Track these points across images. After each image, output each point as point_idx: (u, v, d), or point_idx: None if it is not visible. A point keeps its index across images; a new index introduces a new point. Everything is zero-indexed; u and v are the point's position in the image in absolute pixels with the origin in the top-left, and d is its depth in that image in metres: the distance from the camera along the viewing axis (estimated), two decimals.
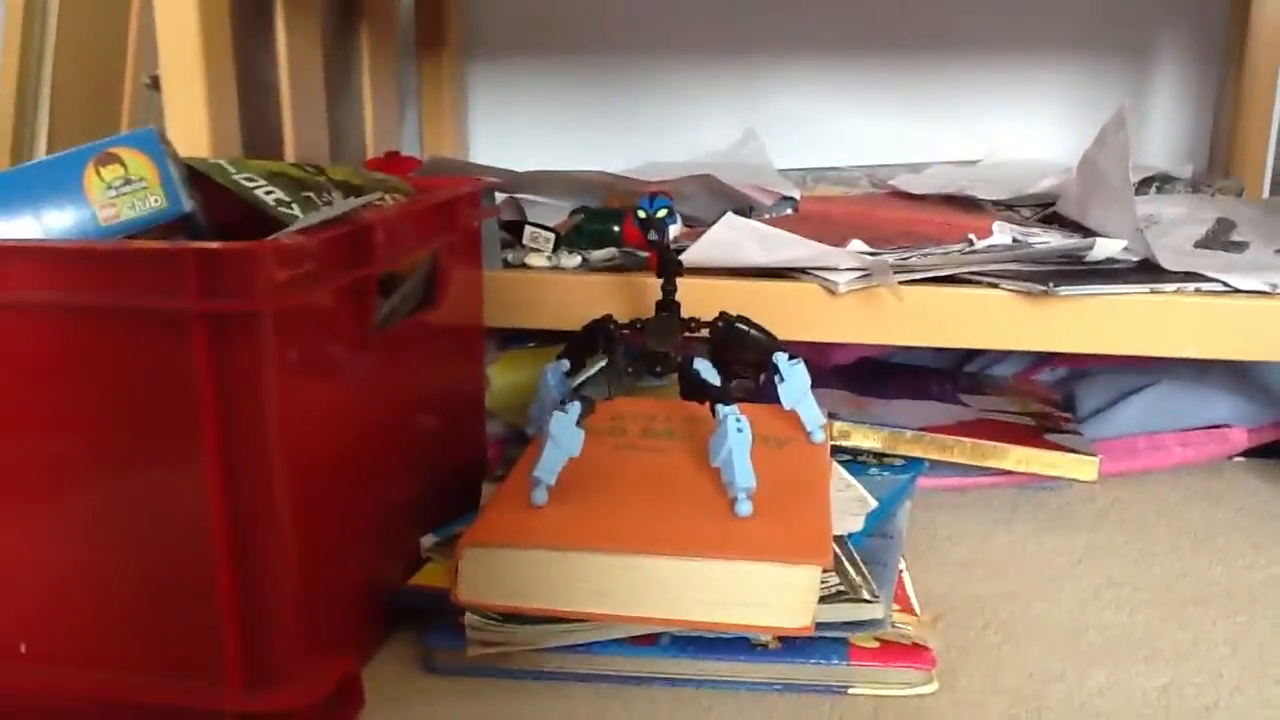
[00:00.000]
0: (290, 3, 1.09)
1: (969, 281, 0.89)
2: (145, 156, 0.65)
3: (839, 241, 0.92)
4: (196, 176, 0.69)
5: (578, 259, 0.97)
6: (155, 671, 0.59)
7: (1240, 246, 0.98)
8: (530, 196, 1.10)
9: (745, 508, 0.66)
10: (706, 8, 1.41)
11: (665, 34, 1.42)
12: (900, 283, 0.88)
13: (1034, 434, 0.95)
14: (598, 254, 0.98)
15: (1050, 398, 1.06)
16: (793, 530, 0.65)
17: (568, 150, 1.46)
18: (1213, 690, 0.66)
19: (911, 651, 0.66)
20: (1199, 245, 0.99)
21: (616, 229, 1.00)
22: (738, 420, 0.69)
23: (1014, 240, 0.93)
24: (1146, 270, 0.89)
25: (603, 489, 0.70)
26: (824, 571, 0.63)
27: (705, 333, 0.83)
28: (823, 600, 0.64)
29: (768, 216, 1.06)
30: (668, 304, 0.84)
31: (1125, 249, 0.90)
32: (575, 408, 0.69)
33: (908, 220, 1.05)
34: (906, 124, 1.41)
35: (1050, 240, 0.93)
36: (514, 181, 1.05)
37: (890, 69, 1.40)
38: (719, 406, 0.70)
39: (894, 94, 1.41)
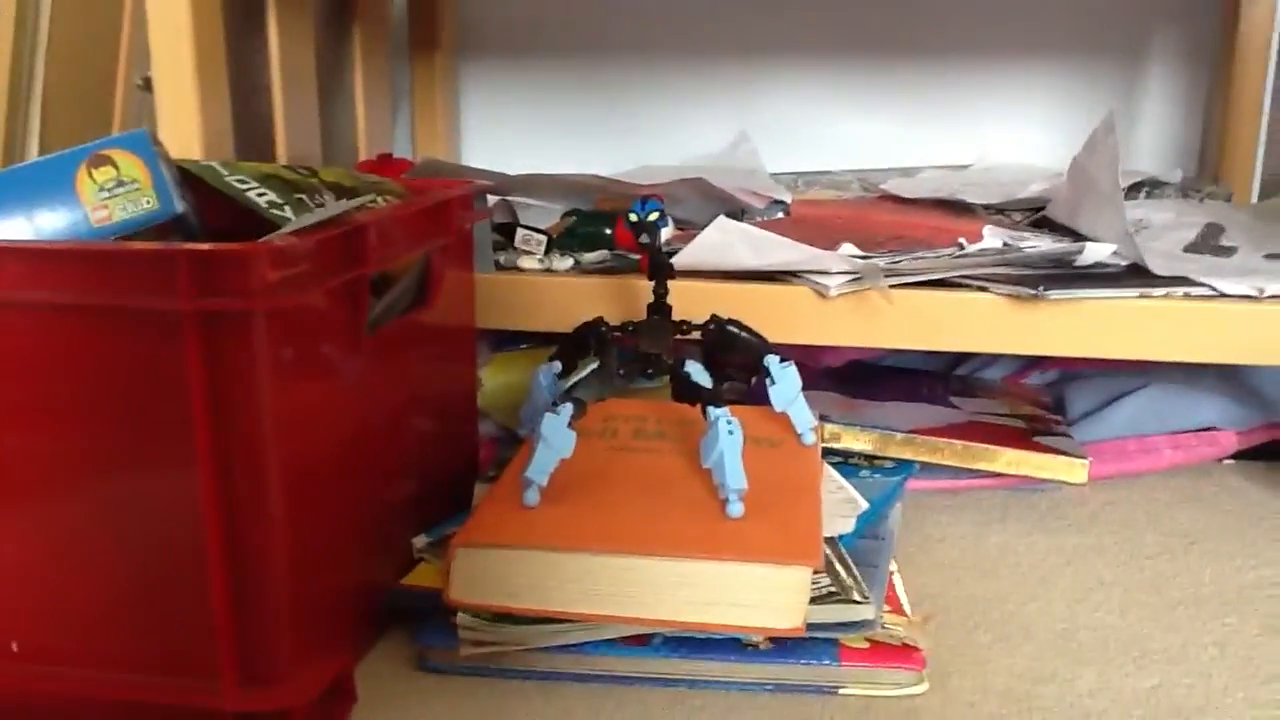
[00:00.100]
0: (283, 4, 1.09)
1: (959, 285, 0.89)
2: (138, 158, 0.65)
3: (830, 245, 0.93)
4: (189, 178, 0.69)
5: (570, 261, 0.98)
6: (149, 670, 0.59)
7: (1229, 251, 0.99)
8: (522, 199, 1.10)
9: (737, 509, 0.67)
10: (700, 11, 1.41)
11: (658, 37, 1.42)
12: (891, 286, 0.88)
13: (1024, 436, 0.95)
14: (590, 256, 0.98)
15: (1041, 400, 1.06)
16: (784, 531, 0.66)
17: (560, 152, 1.46)
18: (1202, 691, 0.66)
19: (902, 652, 0.66)
20: (1188, 250, 1.00)
21: (608, 232, 1.00)
22: (729, 422, 0.69)
23: (1004, 244, 0.93)
24: (1136, 274, 0.89)
25: (595, 490, 0.70)
26: (815, 572, 0.64)
27: (697, 335, 0.83)
28: (814, 601, 0.64)
29: (759, 220, 1.06)
30: (659, 306, 0.84)
31: (1115, 253, 0.90)
32: (567, 409, 0.69)
33: (899, 224, 1.05)
34: (898, 128, 1.41)
35: (1040, 244, 0.93)
36: (506, 184, 1.05)
37: (882, 73, 1.40)
38: (710, 408, 0.70)
39: (886, 98, 1.41)
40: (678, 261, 0.89)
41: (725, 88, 1.43)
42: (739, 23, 1.41)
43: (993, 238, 0.94)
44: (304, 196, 0.72)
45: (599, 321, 0.83)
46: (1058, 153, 1.35)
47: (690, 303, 0.88)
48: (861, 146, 1.42)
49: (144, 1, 0.89)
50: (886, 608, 0.68)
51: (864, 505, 0.78)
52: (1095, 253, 0.89)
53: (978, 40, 1.38)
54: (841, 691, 0.66)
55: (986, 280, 0.89)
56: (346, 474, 0.66)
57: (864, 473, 0.89)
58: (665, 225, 0.87)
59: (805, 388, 0.81)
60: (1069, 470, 0.92)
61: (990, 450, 0.93)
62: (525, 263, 0.98)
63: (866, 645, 0.66)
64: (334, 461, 0.64)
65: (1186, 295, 0.87)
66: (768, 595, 0.62)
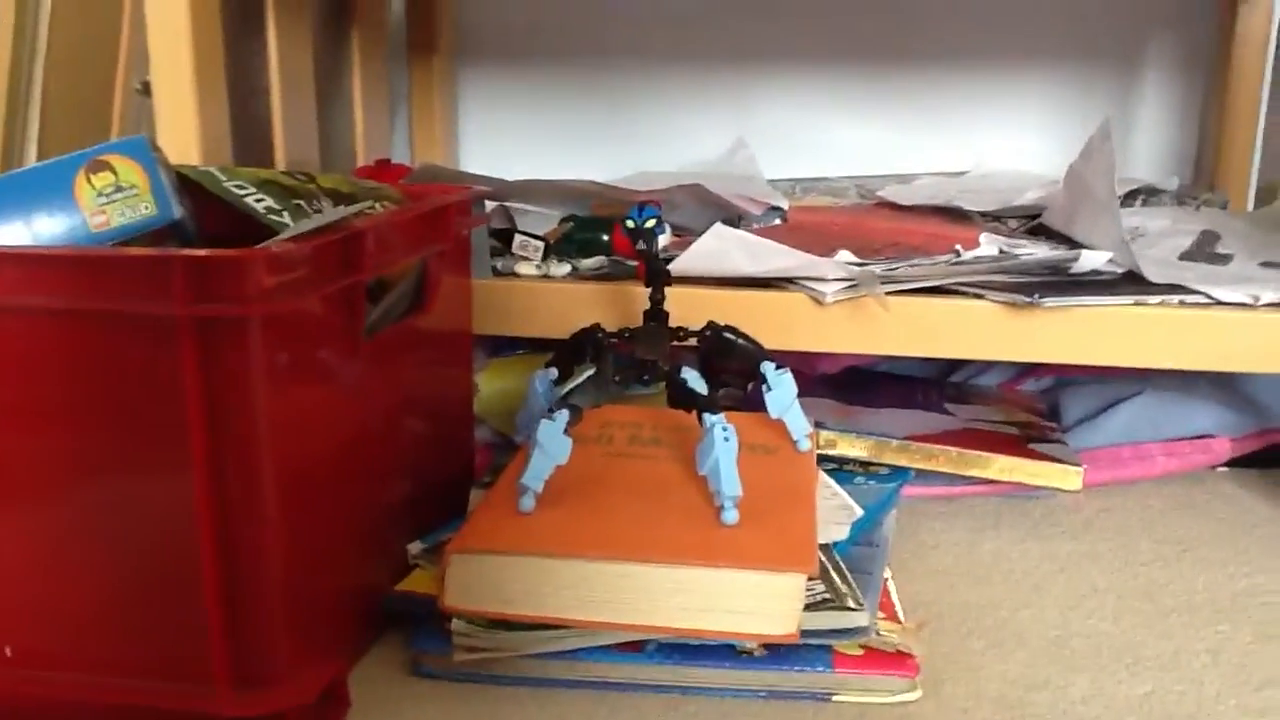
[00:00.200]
0: (281, 9, 1.09)
1: (955, 292, 0.90)
2: (136, 164, 0.65)
3: (827, 252, 0.93)
4: (187, 184, 0.69)
5: (567, 267, 0.98)
6: (143, 674, 0.59)
7: (1224, 259, 0.99)
8: (520, 205, 1.11)
9: (731, 516, 0.67)
10: (698, 17, 1.41)
11: (656, 43, 1.43)
12: (887, 293, 0.88)
13: (1019, 443, 0.96)
14: (587, 263, 0.98)
15: (1035, 407, 1.07)
16: (779, 538, 0.66)
17: (558, 158, 1.46)
18: (1195, 698, 0.67)
19: (896, 659, 0.66)
20: (1183, 257, 1.00)
21: (606, 238, 1.00)
22: (725, 429, 0.69)
23: (1000, 251, 0.93)
24: (1131, 282, 0.90)
25: (590, 496, 0.71)
26: (809, 579, 0.64)
27: (693, 341, 0.84)
28: (808, 608, 0.64)
29: (756, 226, 1.07)
30: (656, 313, 0.84)
31: (1110, 261, 0.90)
32: (563, 415, 0.69)
33: (895, 231, 1.05)
34: (895, 135, 1.42)
35: (1036, 252, 0.93)
36: (504, 190, 1.05)
37: (879, 80, 1.41)
38: (706, 415, 0.70)
39: (883, 105, 1.41)
40: (675, 268, 0.89)
41: (723, 94, 1.43)
42: (736, 29, 1.41)
43: (989, 245, 0.94)
44: (302, 202, 0.72)
45: (595, 328, 0.83)
46: (1054, 160, 1.35)
47: (687, 309, 0.88)
48: (858, 153, 1.42)
49: (143, 6, 0.89)
50: (881, 614, 0.69)
51: (859, 512, 0.78)
52: (1091, 260, 0.90)
53: (974, 47, 1.38)
54: (835, 698, 0.66)
55: (982, 287, 0.89)
56: (342, 479, 0.66)
57: (859, 479, 0.89)
58: (662, 231, 0.87)
59: (801, 394, 0.81)
60: (1063, 477, 0.92)
61: (985, 457, 0.93)
62: (522, 268, 0.98)
63: (860, 652, 0.66)
64: (329, 466, 0.64)
65: (1182, 303, 0.87)
66: (762, 602, 0.63)
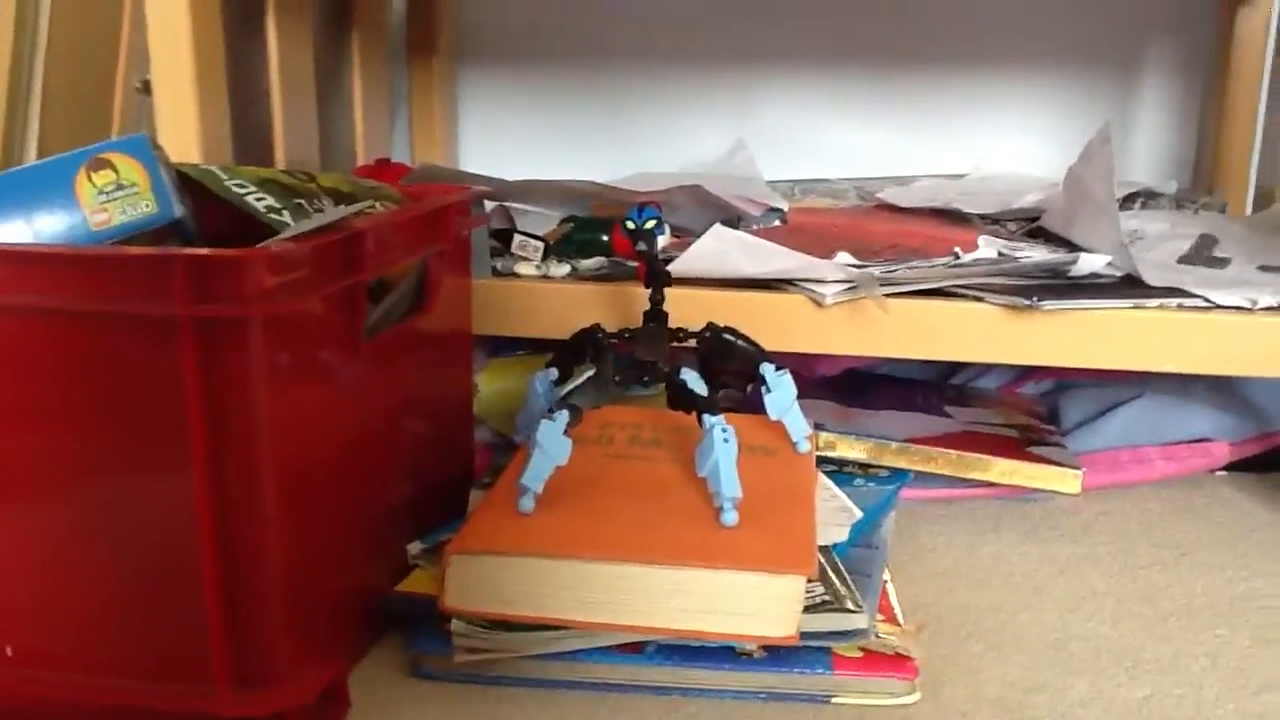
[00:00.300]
0: (282, 10, 1.09)
1: (955, 295, 0.90)
2: (137, 162, 0.65)
3: (826, 253, 0.93)
4: (187, 182, 0.69)
5: (567, 268, 0.98)
6: (142, 675, 0.59)
7: (1223, 262, 0.99)
8: (520, 205, 1.11)
9: (731, 517, 0.67)
10: (698, 18, 1.41)
11: (656, 44, 1.43)
12: (886, 295, 0.88)
13: (1018, 446, 0.96)
14: (586, 263, 0.98)
15: (1034, 410, 1.07)
16: (778, 540, 0.66)
17: (558, 159, 1.46)
18: (1193, 702, 0.67)
19: (895, 661, 0.66)
20: (1182, 261, 1.00)
21: (605, 238, 1.00)
22: (724, 430, 0.69)
23: (999, 254, 0.93)
24: (1130, 285, 0.90)
25: (590, 497, 0.71)
26: (809, 581, 0.64)
27: (693, 343, 0.84)
28: (807, 610, 0.64)
29: (756, 228, 1.07)
30: (656, 314, 0.84)
31: (1109, 264, 0.90)
32: (563, 416, 0.69)
33: (895, 233, 1.05)
34: (894, 137, 1.42)
35: (1035, 255, 0.93)
36: (504, 190, 1.05)
37: (879, 83, 1.41)
38: (706, 416, 0.70)
39: (883, 107, 1.41)
40: (674, 269, 0.89)
41: (723, 95, 1.43)
42: (737, 31, 1.41)
43: (988, 247, 0.94)
44: (302, 201, 0.72)
45: (595, 328, 0.83)
46: (1053, 163, 1.35)
47: (686, 310, 0.88)
48: (858, 155, 1.42)
49: (143, 4, 0.89)
50: (880, 617, 0.69)
51: (858, 514, 0.79)
52: (1090, 263, 0.90)
53: (975, 50, 1.38)
54: (834, 700, 0.66)
55: (981, 290, 0.89)
56: (342, 480, 0.66)
57: (858, 481, 0.89)
58: (662, 232, 0.87)
59: (800, 396, 0.81)
60: (1062, 480, 0.92)
61: (984, 460, 0.93)
62: (522, 269, 0.98)
63: (860, 654, 0.66)
64: (329, 467, 0.64)
65: (1180, 306, 0.87)
66: (761, 603, 0.63)
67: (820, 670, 0.65)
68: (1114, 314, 0.87)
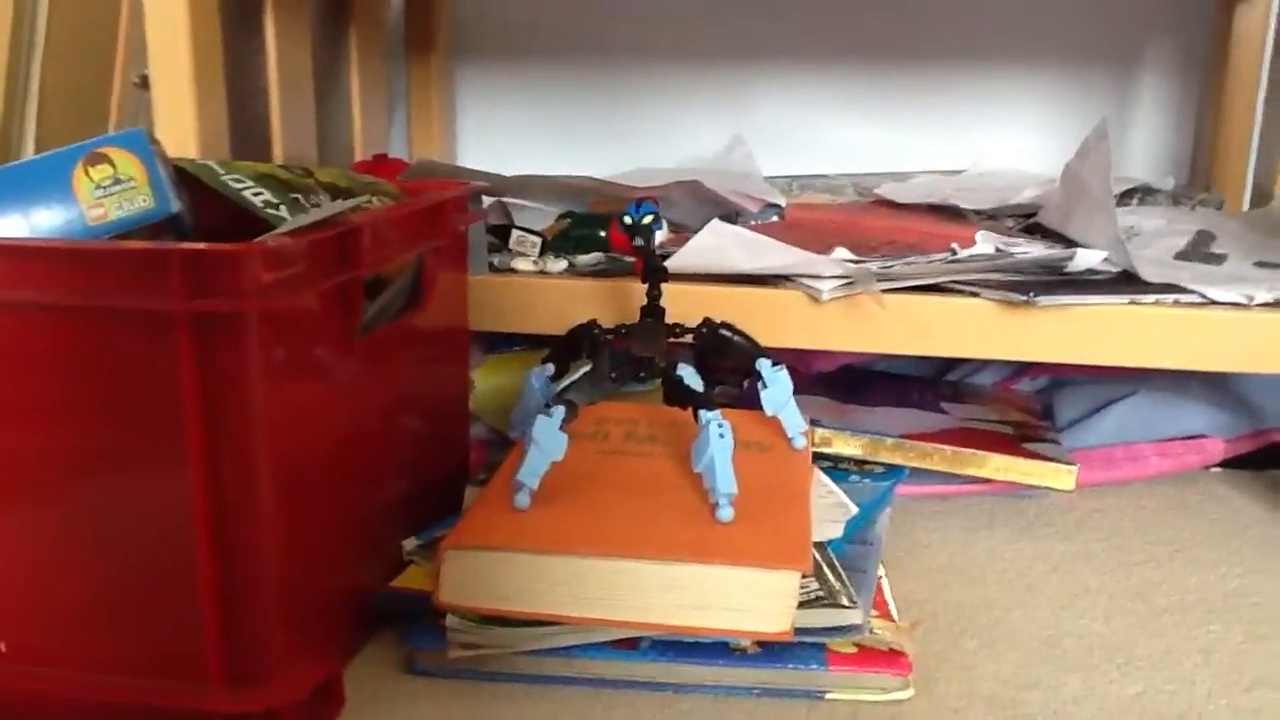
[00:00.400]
0: (280, 5, 1.09)
1: (951, 290, 0.90)
2: (134, 156, 0.65)
3: (824, 249, 0.93)
4: (184, 177, 0.69)
5: (564, 264, 0.98)
6: (137, 671, 0.59)
7: (1219, 259, 0.99)
8: (517, 201, 1.11)
9: (726, 513, 0.67)
10: (696, 15, 1.41)
11: (654, 40, 1.43)
12: (883, 291, 0.88)
13: (1013, 443, 0.96)
14: (584, 259, 0.98)
15: (1030, 407, 1.07)
16: (773, 536, 0.66)
17: (555, 154, 1.46)
18: (1186, 698, 0.67)
19: (889, 657, 0.66)
20: (1179, 257, 1.00)
21: (603, 234, 1.00)
22: (720, 426, 0.69)
23: (996, 250, 0.93)
24: (1126, 281, 0.90)
25: (585, 493, 0.71)
26: (803, 577, 0.64)
27: (689, 338, 0.84)
28: (802, 605, 0.64)
29: (753, 223, 1.07)
30: (652, 309, 0.84)
31: (1106, 260, 0.90)
32: (559, 412, 0.69)
33: (892, 229, 1.05)
34: (892, 133, 1.42)
35: (1032, 250, 0.93)
36: (501, 186, 1.05)
37: (877, 78, 1.41)
38: (702, 412, 0.70)
39: (881, 103, 1.42)
40: (671, 264, 0.89)
41: (721, 91, 1.43)
42: (735, 26, 1.41)
43: (985, 243, 0.94)
44: (300, 196, 0.72)
45: (592, 324, 0.83)
46: (1051, 159, 1.35)
47: (683, 306, 0.88)
48: (856, 151, 1.42)
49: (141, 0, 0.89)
50: (874, 613, 0.69)
51: (853, 510, 0.79)
52: (1086, 259, 0.90)
53: (972, 47, 1.38)
54: (828, 696, 0.66)
55: (978, 285, 0.89)
56: (337, 476, 0.66)
57: (854, 477, 0.89)
58: (659, 228, 0.87)
59: (796, 392, 0.81)
60: (1056, 477, 0.92)
61: (979, 456, 0.93)
62: (519, 264, 0.98)
63: (854, 650, 0.66)
64: (325, 463, 0.64)
65: (1176, 302, 0.87)
66: (756, 599, 0.63)
67: (814, 666, 0.66)
68: (1110, 310, 0.87)
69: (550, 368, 0.84)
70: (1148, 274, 0.89)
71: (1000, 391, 1.12)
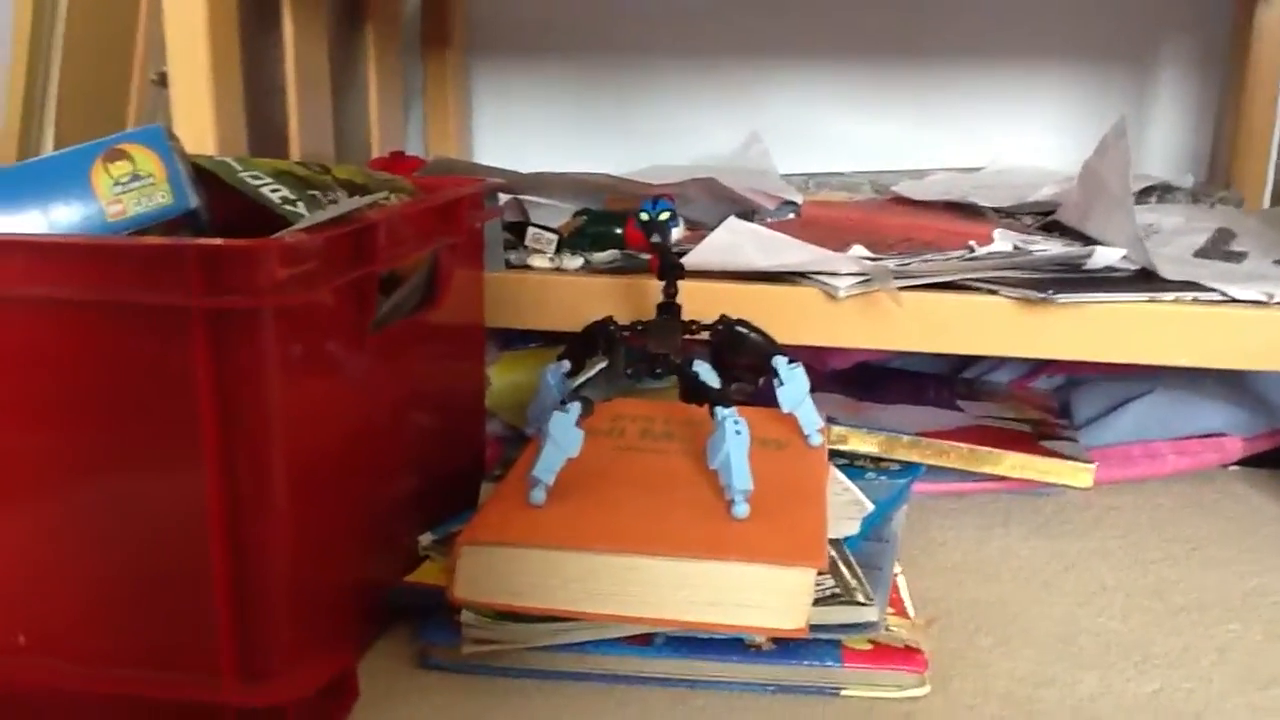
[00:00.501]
0: (297, 2, 1.09)
1: (969, 288, 0.90)
2: (153, 153, 0.65)
3: (840, 246, 0.93)
4: (202, 174, 0.70)
5: (580, 260, 0.98)
6: (150, 665, 0.59)
7: (1239, 256, 0.99)
8: (533, 198, 1.11)
9: (742, 510, 0.67)
10: (710, 12, 1.41)
11: (670, 37, 1.43)
12: (900, 288, 0.88)
13: (1030, 440, 0.95)
14: (600, 256, 0.98)
15: (1047, 404, 1.06)
16: (789, 533, 0.66)
17: (571, 151, 1.46)
18: (1203, 696, 0.66)
19: (904, 654, 0.66)
20: (1198, 255, 1.00)
21: (619, 231, 1.00)
22: (736, 423, 0.69)
23: (1014, 248, 0.93)
24: (1145, 279, 0.89)
25: (601, 490, 0.71)
26: (819, 574, 0.64)
27: (705, 335, 0.84)
28: (817, 602, 0.64)
29: (770, 221, 1.07)
30: (669, 306, 0.84)
31: (1124, 258, 0.90)
32: (575, 408, 0.69)
33: (909, 226, 1.05)
34: (909, 130, 1.41)
35: (1050, 248, 0.93)
36: (517, 182, 1.05)
37: (894, 76, 1.40)
38: (718, 409, 0.70)
39: (898, 101, 1.41)
40: (687, 261, 0.89)
41: (737, 88, 1.43)
42: (752, 24, 1.41)
43: (1003, 241, 0.94)
44: (317, 193, 0.72)
45: (608, 321, 0.83)
46: (1069, 157, 1.35)
47: (699, 303, 0.88)
48: (873, 148, 1.42)
49: None
50: (890, 610, 0.69)
51: (869, 507, 0.79)
52: (1105, 257, 0.90)
53: (990, 44, 1.38)
54: (843, 693, 0.66)
55: (996, 283, 0.89)
56: (351, 471, 0.66)
57: (870, 475, 0.89)
58: (676, 225, 0.87)
59: (812, 390, 0.81)
60: (1073, 475, 0.92)
61: (996, 454, 0.93)
62: (535, 261, 0.98)
63: (869, 647, 0.66)
64: (338, 459, 0.64)
65: (1195, 300, 0.87)
66: (771, 596, 0.63)
67: (829, 663, 0.66)
68: (1129, 308, 0.86)
69: (566, 364, 0.84)
70: (1167, 272, 0.89)
71: (1017, 389, 1.11)
